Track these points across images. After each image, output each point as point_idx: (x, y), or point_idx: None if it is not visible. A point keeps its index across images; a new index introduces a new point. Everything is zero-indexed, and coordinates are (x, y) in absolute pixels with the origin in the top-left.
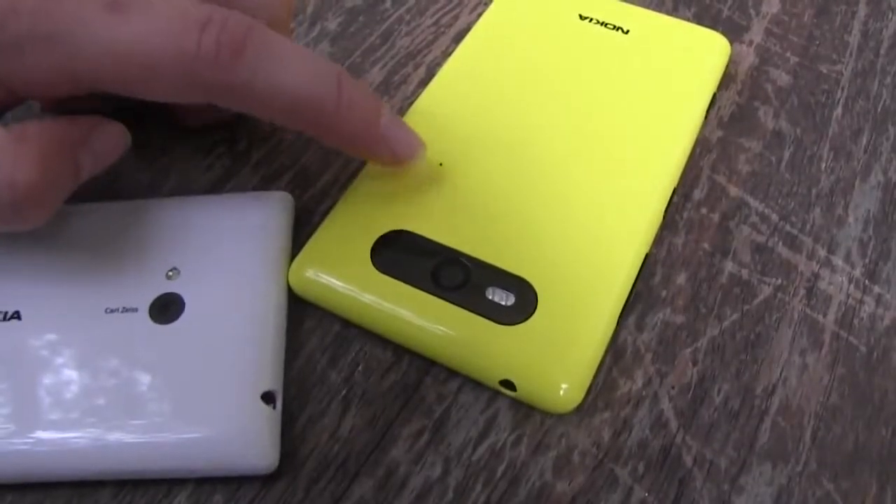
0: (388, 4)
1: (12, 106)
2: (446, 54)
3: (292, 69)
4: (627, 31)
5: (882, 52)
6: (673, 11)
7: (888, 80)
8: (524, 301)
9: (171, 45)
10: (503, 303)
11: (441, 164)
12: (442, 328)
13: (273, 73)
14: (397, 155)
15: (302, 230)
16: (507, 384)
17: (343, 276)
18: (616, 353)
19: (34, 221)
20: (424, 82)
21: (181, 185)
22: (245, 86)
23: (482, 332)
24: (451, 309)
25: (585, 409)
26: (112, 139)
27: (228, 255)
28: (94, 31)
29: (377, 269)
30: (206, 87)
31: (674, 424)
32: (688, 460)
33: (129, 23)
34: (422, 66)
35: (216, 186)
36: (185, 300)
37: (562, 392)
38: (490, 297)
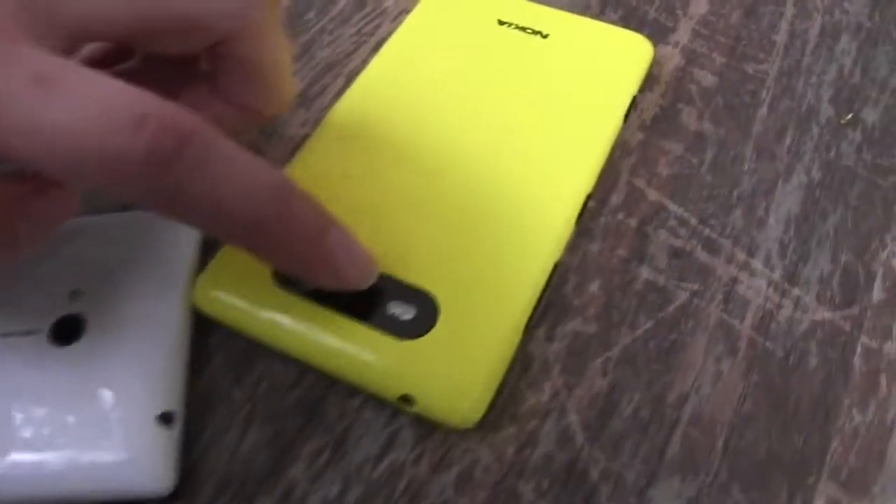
0: (311, 14)
1: None
2: (366, 64)
3: (231, 182)
4: (546, 36)
5: (808, 51)
6: (599, 14)
7: (813, 79)
8: (424, 314)
9: (97, 140)
10: (403, 317)
11: (348, 176)
12: (340, 344)
13: (209, 185)
14: (342, 279)
15: (210, 249)
16: (407, 400)
17: (244, 294)
18: (523, 365)
19: None
20: (342, 93)
21: (93, 203)
22: (175, 197)
23: (381, 348)
24: (351, 325)
25: (490, 423)
26: (57, 207)
27: (134, 274)
28: (20, 107)
29: (278, 286)
30: (131, 191)
31: (580, 438)
32: (594, 474)
33: (54, 103)
34: (340, 76)
35: (129, 205)
36: (88, 321)
37: (462, 407)
38: (390, 312)
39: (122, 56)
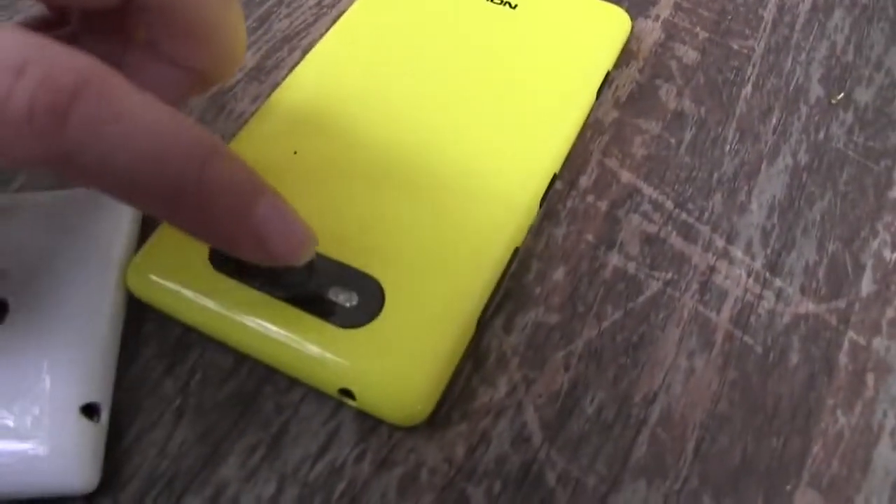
0: None
1: None
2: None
3: (140, 140)
4: (515, 6)
5: (798, 27)
6: None
7: (802, 56)
8: (369, 301)
9: None
10: (346, 303)
11: (295, 153)
12: (277, 332)
13: (109, 145)
14: (272, 254)
15: (149, 229)
16: (347, 393)
17: (179, 277)
18: (478, 359)
19: None
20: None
21: (30, 181)
22: (73, 160)
23: (320, 337)
24: (290, 311)
25: (439, 420)
26: None
27: (66, 255)
28: None
29: (216, 268)
30: (22, 156)
31: (538, 438)
32: (551, 478)
33: None
34: (297, 49)
35: (66, 182)
36: (10, 304)
37: (407, 402)
38: (332, 298)
39: (59, 23)
